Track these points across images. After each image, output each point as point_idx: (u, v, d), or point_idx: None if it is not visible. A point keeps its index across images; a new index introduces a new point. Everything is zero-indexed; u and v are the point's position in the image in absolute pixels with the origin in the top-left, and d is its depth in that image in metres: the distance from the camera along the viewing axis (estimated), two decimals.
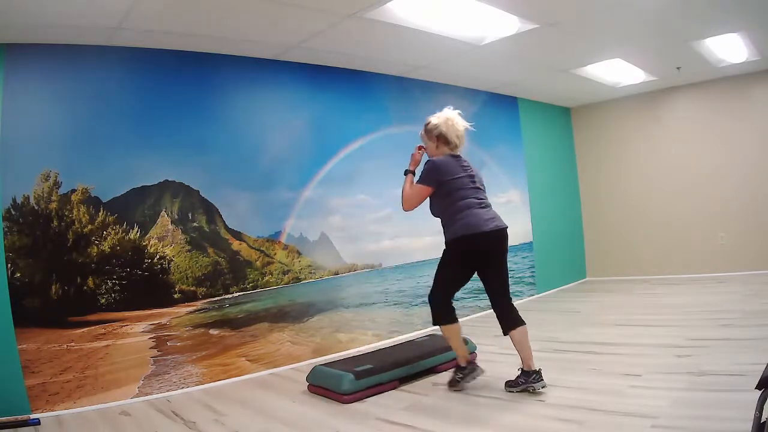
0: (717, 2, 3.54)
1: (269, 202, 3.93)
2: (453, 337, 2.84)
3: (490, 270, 2.76)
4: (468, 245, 2.70)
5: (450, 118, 2.87)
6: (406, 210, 2.83)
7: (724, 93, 5.73)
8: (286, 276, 4.02)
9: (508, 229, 2.76)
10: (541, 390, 2.64)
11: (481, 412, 2.50)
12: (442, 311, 2.81)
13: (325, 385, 2.94)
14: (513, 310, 2.75)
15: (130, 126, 3.34)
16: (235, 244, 3.78)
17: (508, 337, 2.71)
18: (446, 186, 2.74)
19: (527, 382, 2.66)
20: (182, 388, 3.31)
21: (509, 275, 2.81)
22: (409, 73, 4.69)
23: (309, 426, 2.53)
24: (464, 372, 2.86)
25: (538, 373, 2.67)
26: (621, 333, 3.75)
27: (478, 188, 2.81)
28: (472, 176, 2.81)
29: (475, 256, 2.73)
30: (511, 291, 2.81)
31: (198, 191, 3.62)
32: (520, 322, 2.71)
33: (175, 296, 3.48)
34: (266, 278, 3.91)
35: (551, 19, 3.65)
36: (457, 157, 2.85)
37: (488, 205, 2.80)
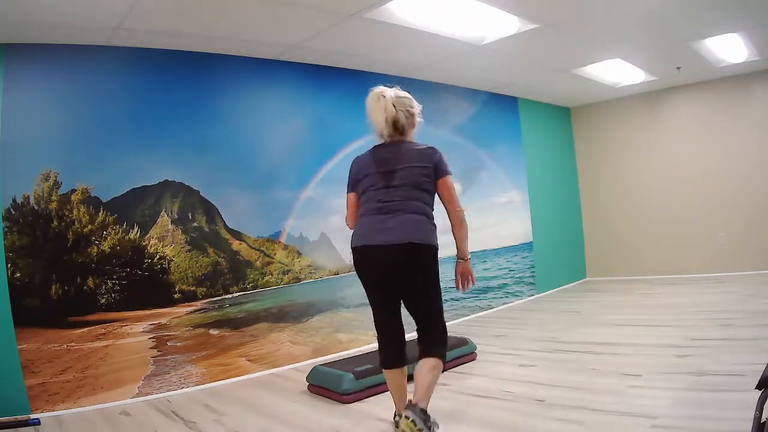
0: (717, 2, 3.54)
1: (269, 202, 3.93)
2: (390, 384, 2.25)
3: (403, 291, 2.19)
4: (355, 260, 2.21)
5: (368, 99, 2.27)
6: (349, 226, 2.32)
7: (724, 93, 5.73)
8: (286, 276, 4.02)
9: (422, 245, 2.08)
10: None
11: (480, 412, 2.50)
12: (380, 355, 2.26)
13: (325, 385, 2.94)
14: (437, 340, 2.16)
15: (130, 126, 3.34)
16: (235, 244, 3.78)
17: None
18: (359, 188, 2.25)
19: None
20: (182, 388, 3.31)
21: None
22: (409, 73, 4.68)
23: (309, 426, 2.53)
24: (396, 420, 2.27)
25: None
26: (621, 333, 3.75)
27: (389, 187, 2.14)
28: (390, 172, 2.15)
29: (369, 273, 2.20)
30: (445, 321, 2.22)
31: (198, 191, 3.62)
32: (434, 354, 2.11)
33: (175, 296, 3.48)
34: (266, 278, 3.91)
35: (551, 19, 3.65)
36: (388, 145, 2.22)
37: (396, 210, 2.10)
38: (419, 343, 2.17)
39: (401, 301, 2.24)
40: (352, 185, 2.29)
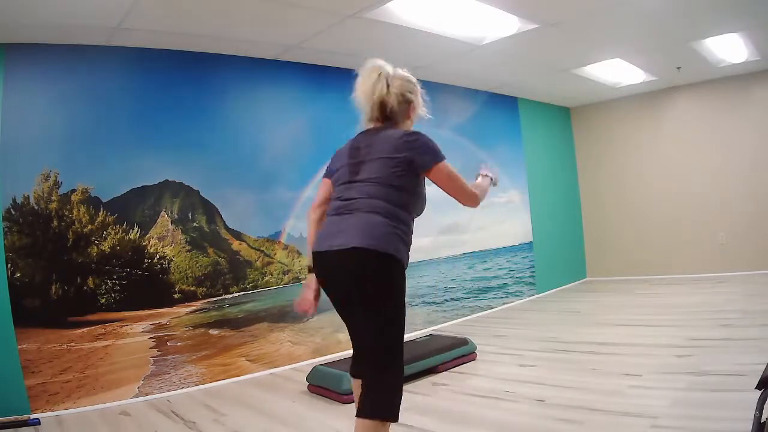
0: (717, 2, 3.54)
1: (269, 202, 3.93)
2: (354, 392, 1.85)
3: (350, 309, 1.80)
4: (313, 268, 1.83)
5: (360, 71, 1.94)
6: (308, 214, 1.96)
7: (724, 93, 5.73)
8: (286, 276, 4.02)
9: (372, 251, 1.59)
10: None
11: (480, 412, 2.50)
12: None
13: (325, 385, 2.94)
14: (377, 390, 1.65)
15: (130, 126, 3.34)
16: (235, 244, 3.78)
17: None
18: (333, 178, 1.90)
19: None
20: (182, 388, 3.31)
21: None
22: (409, 73, 4.68)
23: (309, 426, 2.53)
24: None
25: None
26: (621, 333, 3.75)
27: (353, 182, 1.75)
28: (357, 164, 1.77)
29: (324, 283, 1.83)
30: (401, 361, 1.71)
31: (198, 191, 3.62)
32: (378, 414, 1.62)
33: (175, 296, 3.48)
34: (266, 278, 3.91)
35: (551, 19, 3.65)
36: (367, 132, 1.85)
37: (355, 209, 1.68)
38: (361, 393, 1.67)
39: None
40: (327, 172, 1.96)
